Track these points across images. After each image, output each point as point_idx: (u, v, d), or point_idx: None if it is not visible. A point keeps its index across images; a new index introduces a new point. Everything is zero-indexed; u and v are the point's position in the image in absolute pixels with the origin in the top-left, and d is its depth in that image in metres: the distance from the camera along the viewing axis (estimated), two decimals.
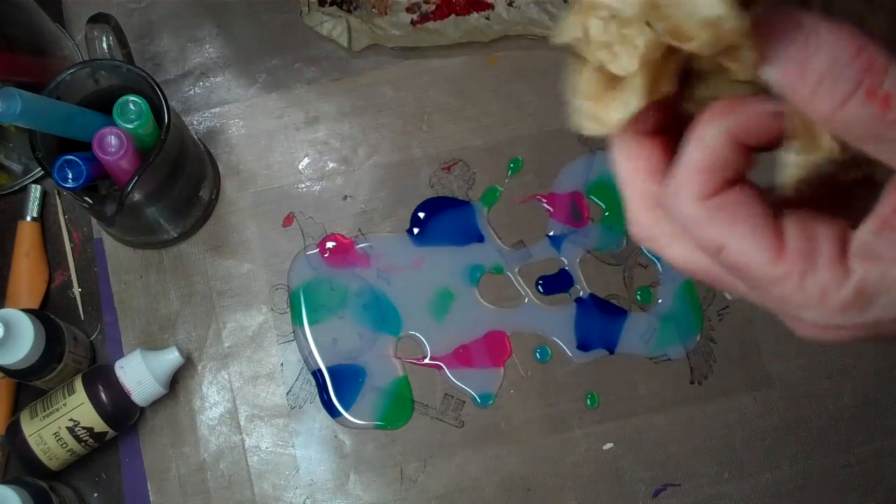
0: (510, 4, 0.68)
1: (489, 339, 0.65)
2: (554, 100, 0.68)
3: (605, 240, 0.66)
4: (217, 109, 0.68)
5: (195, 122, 0.68)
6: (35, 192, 0.65)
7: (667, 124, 0.26)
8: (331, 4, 0.69)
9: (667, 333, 0.65)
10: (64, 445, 0.58)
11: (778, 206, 0.25)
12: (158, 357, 0.60)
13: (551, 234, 0.66)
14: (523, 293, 0.65)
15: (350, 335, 0.65)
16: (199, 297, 0.65)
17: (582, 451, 0.63)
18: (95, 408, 0.58)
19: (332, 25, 0.68)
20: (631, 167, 0.27)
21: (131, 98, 0.55)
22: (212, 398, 0.64)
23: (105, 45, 0.58)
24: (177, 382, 0.63)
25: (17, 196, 0.67)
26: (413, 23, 0.68)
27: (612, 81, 0.26)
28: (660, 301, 0.65)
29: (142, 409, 0.61)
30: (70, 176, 0.54)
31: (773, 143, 0.25)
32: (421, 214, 0.66)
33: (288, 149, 0.67)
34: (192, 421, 0.63)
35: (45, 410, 0.58)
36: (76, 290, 0.65)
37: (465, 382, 0.64)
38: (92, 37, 0.58)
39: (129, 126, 0.55)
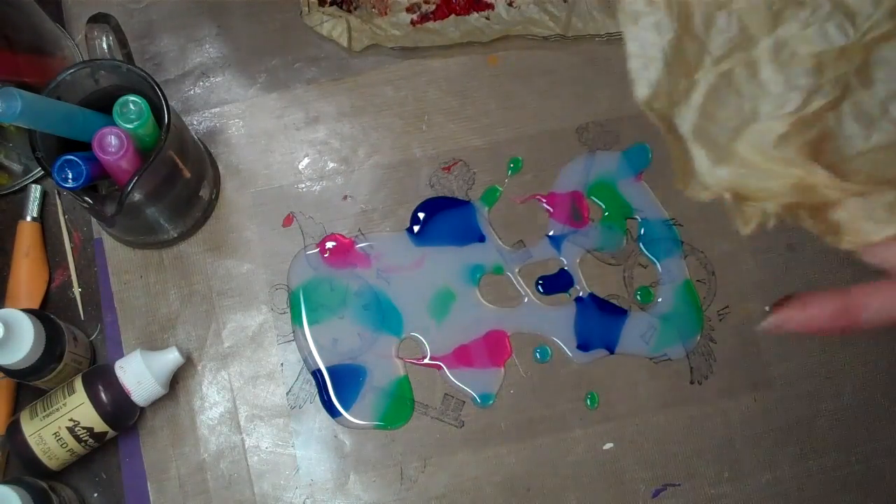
0: (510, 4, 0.68)
1: (489, 339, 0.65)
2: (554, 100, 0.68)
3: (605, 240, 0.66)
4: (217, 109, 0.68)
5: (195, 122, 0.68)
6: (35, 192, 0.66)
7: None
8: (331, 4, 0.69)
9: (667, 333, 0.65)
10: (64, 445, 0.58)
11: None
12: (158, 357, 0.60)
13: (551, 234, 0.66)
14: (523, 293, 0.65)
15: (350, 335, 0.65)
16: (199, 297, 0.65)
17: (582, 451, 0.63)
18: (95, 408, 0.58)
19: (332, 25, 0.68)
20: None
21: (131, 98, 0.55)
22: (212, 398, 0.64)
23: (105, 45, 0.58)
24: (177, 382, 0.63)
25: (17, 196, 0.67)
26: (413, 23, 0.68)
27: None
28: (660, 301, 0.65)
29: (142, 409, 0.61)
30: (70, 176, 0.54)
31: None
32: (421, 214, 0.66)
33: (288, 149, 0.67)
34: (192, 421, 0.63)
35: (45, 410, 0.58)
36: (76, 290, 0.65)
37: (465, 382, 0.64)
38: (92, 37, 0.58)
39: (129, 126, 0.55)
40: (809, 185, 0.36)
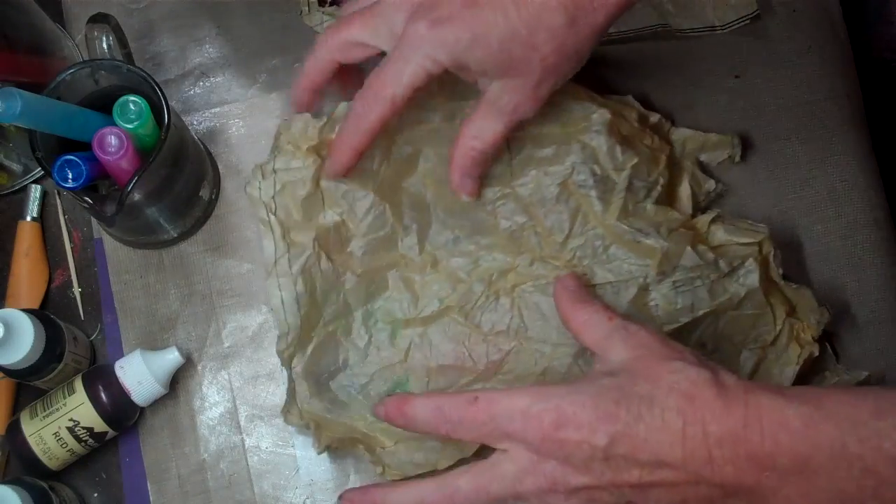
0: None
1: None
2: None
3: None
4: (217, 109, 0.68)
5: (195, 122, 0.68)
6: (35, 192, 0.66)
7: None
8: (331, 4, 0.69)
9: None
10: (64, 445, 0.58)
11: None
12: (158, 357, 0.60)
13: None
14: None
15: None
16: (199, 297, 0.65)
17: None
18: (95, 408, 0.58)
19: None
20: None
21: (131, 98, 0.55)
22: (212, 398, 0.64)
23: (105, 45, 0.58)
24: (177, 382, 0.63)
25: (17, 196, 0.67)
26: None
27: None
28: None
29: (142, 409, 0.61)
30: (70, 176, 0.54)
31: None
32: None
33: None
34: (192, 421, 0.63)
35: (45, 410, 0.58)
36: (76, 290, 0.65)
37: None
38: (92, 37, 0.58)
39: (129, 126, 0.55)
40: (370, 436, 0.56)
